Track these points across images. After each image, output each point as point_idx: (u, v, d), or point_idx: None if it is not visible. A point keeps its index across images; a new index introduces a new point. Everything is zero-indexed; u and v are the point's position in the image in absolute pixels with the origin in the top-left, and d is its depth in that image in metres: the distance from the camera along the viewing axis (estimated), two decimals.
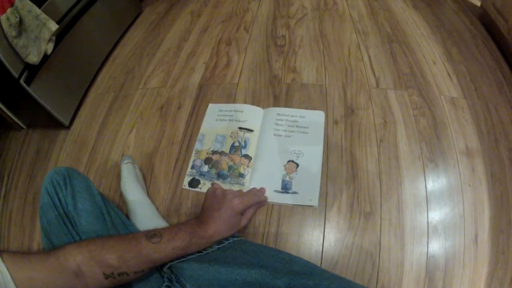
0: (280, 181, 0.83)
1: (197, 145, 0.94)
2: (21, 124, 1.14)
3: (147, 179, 0.90)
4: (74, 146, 1.05)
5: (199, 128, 0.98)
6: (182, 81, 1.15)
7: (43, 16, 0.88)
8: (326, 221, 0.77)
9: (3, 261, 0.38)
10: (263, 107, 1.00)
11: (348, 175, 0.83)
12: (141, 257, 0.50)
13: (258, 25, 1.34)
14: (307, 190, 0.81)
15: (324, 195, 0.80)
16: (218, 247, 0.59)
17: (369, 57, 1.12)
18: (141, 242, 0.51)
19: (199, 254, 0.56)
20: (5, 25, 0.82)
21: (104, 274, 0.46)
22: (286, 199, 0.80)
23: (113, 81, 1.24)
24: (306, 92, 1.03)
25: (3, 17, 0.82)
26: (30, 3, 0.86)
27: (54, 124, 1.09)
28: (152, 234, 0.53)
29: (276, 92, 1.04)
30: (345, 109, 0.96)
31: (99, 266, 0.46)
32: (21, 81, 0.89)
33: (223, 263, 0.52)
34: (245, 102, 1.03)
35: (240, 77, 1.12)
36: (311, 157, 0.86)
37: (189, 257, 0.55)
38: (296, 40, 1.23)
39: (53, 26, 0.90)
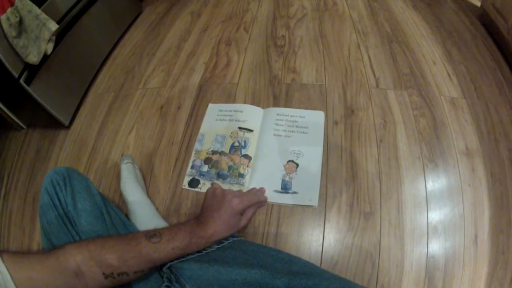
0: (280, 181, 0.83)
1: (197, 145, 0.94)
2: (21, 124, 1.14)
3: (147, 179, 0.90)
4: (74, 146, 1.05)
5: (199, 128, 0.98)
6: (182, 81, 1.15)
7: (43, 16, 0.88)
8: (326, 221, 0.77)
9: (3, 261, 0.38)
10: (263, 107, 1.00)
11: (348, 175, 0.83)
12: (141, 257, 0.50)
13: (258, 26, 1.34)
14: (307, 190, 0.81)
15: (324, 195, 0.80)
16: (218, 247, 0.59)
17: (369, 57, 1.12)
18: (141, 242, 0.51)
19: (199, 254, 0.56)
20: (5, 25, 0.83)
21: (104, 274, 0.46)
22: (286, 199, 0.80)
23: (113, 81, 1.24)
24: (306, 92, 1.03)
25: (3, 17, 0.82)
26: (30, 3, 0.86)
27: (54, 124, 1.09)
28: (152, 234, 0.53)
29: (276, 92, 1.04)
30: (345, 109, 0.96)
31: (99, 266, 0.46)
32: (21, 81, 0.89)
33: (223, 263, 0.52)
34: (245, 102, 1.03)
35: (240, 77, 1.12)
36: (311, 157, 0.86)
37: (188, 257, 0.55)
38: (296, 40, 1.23)
39: (53, 26, 0.90)
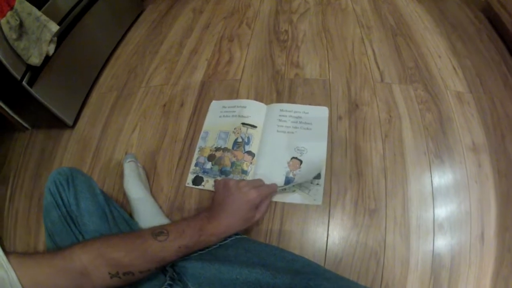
0: (284, 178, 0.82)
1: (200, 143, 0.94)
2: (26, 125, 1.14)
3: (150, 177, 0.91)
4: (78, 146, 1.05)
5: (202, 125, 0.98)
6: (184, 79, 1.15)
7: (44, 17, 0.88)
8: (330, 219, 0.76)
9: (10, 262, 0.39)
10: (266, 103, 1.00)
11: (352, 172, 0.82)
12: (147, 256, 0.49)
13: (260, 21, 1.33)
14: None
15: (328, 192, 0.79)
16: (220, 244, 0.59)
17: (373, 51, 1.10)
18: (147, 240, 0.50)
19: (201, 252, 0.56)
20: (5, 28, 0.82)
21: (109, 273, 0.46)
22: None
23: (115, 80, 1.24)
24: (309, 87, 1.02)
25: (3, 20, 0.82)
26: (30, 5, 0.85)
27: (58, 124, 1.09)
28: (159, 232, 0.51)
29: (279, 88, 1.03)
30: (349, 104, 0.95)
31: (104, 266, 0.46)
32: (24, 82, 0.90)
33: (225, 261, 0.52)
34: (248, 98, 1.02)
35: (242, 73, 1.11)
36: (315, 153, 0.85)
37: (190, 255, 0.55)
38: (299, 35, 1.22)
39: (54, 27, 0.90)
